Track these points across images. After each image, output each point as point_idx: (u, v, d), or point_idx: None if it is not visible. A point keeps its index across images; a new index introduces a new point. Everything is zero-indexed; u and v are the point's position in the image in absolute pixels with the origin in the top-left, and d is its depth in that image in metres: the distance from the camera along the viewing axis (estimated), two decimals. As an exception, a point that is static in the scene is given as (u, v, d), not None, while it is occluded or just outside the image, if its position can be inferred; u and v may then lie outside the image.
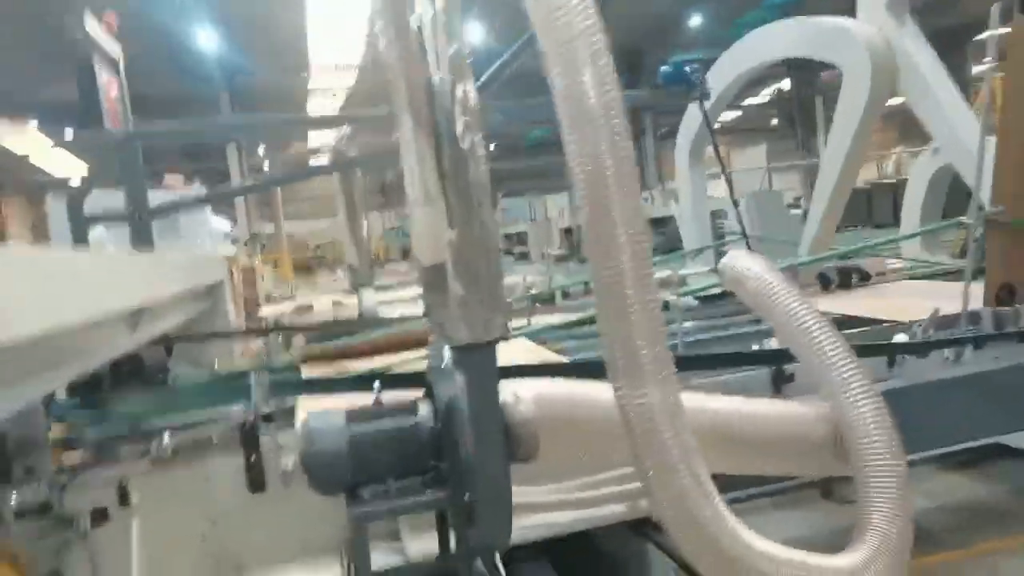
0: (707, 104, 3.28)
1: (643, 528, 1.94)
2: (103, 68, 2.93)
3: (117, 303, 1.60)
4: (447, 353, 1.42)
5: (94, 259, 1.42)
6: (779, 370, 2.18)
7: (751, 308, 2.04)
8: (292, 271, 13.32)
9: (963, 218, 2.21)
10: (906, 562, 1.50)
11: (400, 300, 6.72)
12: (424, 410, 1.49)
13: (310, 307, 6.93)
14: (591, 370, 1.83)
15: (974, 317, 2.34)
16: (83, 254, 1.45)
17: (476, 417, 1.31)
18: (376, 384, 1.54)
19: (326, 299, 7.10)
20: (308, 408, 1.75)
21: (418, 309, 5.10)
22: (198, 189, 5.19)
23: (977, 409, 2.15)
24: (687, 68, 3.16)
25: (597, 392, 1.56)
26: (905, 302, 3.10)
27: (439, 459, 1.45)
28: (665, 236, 10.20)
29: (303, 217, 26.80)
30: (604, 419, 1.52)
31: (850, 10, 3.62)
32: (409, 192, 1.33)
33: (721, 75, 3.89)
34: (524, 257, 14.40)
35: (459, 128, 1.30)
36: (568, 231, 15.45)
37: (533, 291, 6.59)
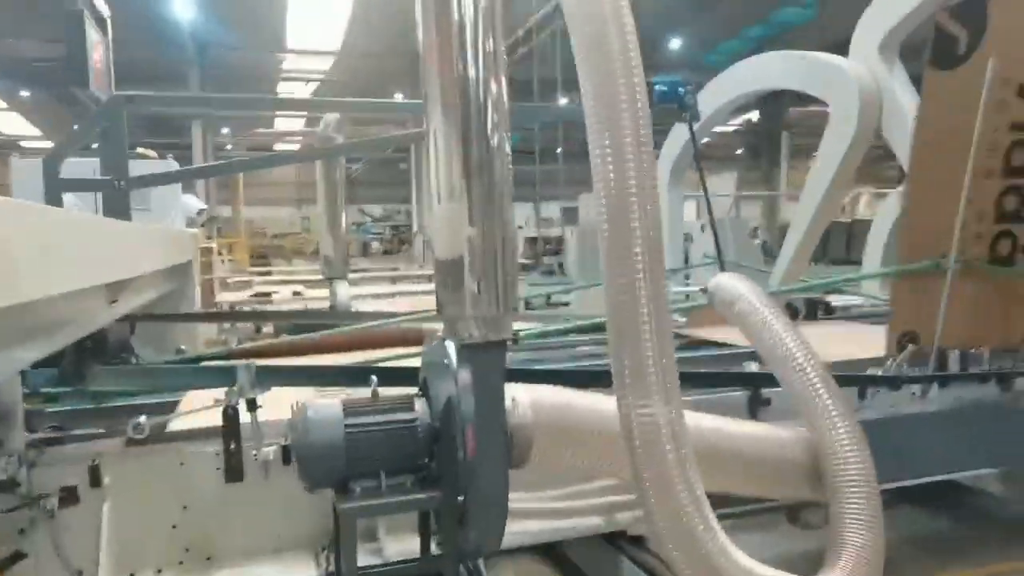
0: (695, 126, 3.33)
1: (617, 541, 1.94)
2: (92, 27, 2.82)
3: (102, 273, 1.53)
4: (451, 350, 1.40)
5: (84, 223, 1.36)
6: (756, 393, 2.22)
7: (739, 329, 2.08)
8: (248, 257, 13.04)
9: (941, 259, 2.28)
10: (879, 583, 1.54)
11: (362, 296, 6.62)
12: (420, 407, 1.47)
13: (268, 296, 6.79)
14: (586, 379, 1.83)
15: (941, 356, 2.43)
16: (75, 215, 1.38)
17: (480, 417, 1.29)
18: (373, 378, 1.50)
19: (286, 289, 6.96)
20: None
21: (388, 306, 5.04)
22: (170, 163, 5.03)
23: (943, 444, 2.23)
24: (681, 89, 3.20)
25: (594, 402, 1.56)
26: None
27: (432, 458, 1.43)
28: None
29: (261, 204, 26.29)
30: (600, 429, 1.52)
31: (821, 47, 3.76)
32: (432, 185, 1.31)
33: (711, 99, 3.97)
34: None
35: (489, 125, 1.29)
36: (534, 240, 15.49)
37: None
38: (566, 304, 7.07)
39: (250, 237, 17.50)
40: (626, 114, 1.29)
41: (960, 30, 2.23)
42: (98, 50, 2.95)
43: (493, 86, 1.29)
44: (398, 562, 1.61)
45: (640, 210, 1.29)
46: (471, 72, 1.28)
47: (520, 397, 1.46)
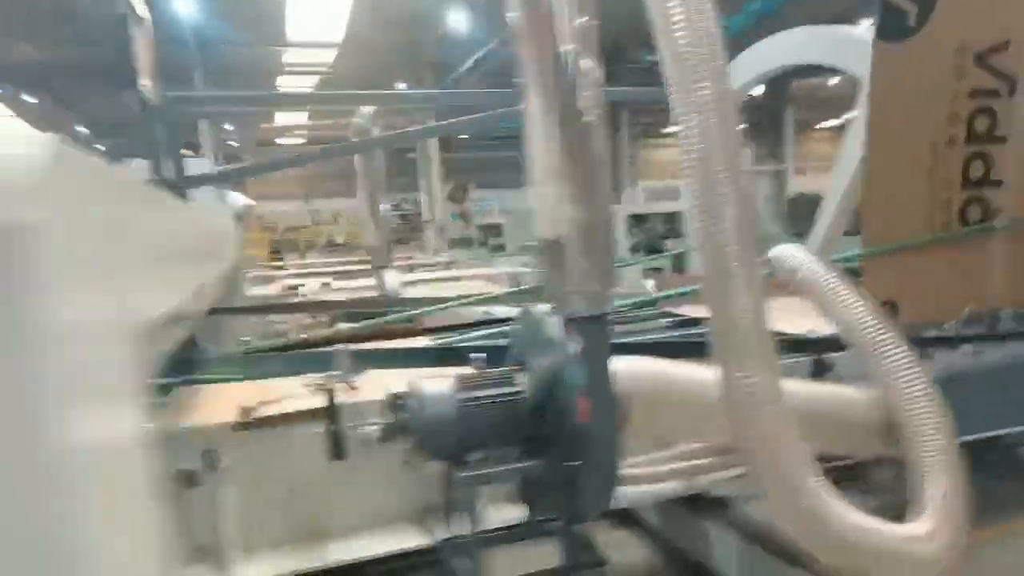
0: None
1: (698, 503, 2.01)
2: (137, 29, 2.87)
3: (219, 264, 1.61)
4: (552, 325, 1.46)
5: (216, 214, 1.43)
6: (820, 359, 2.28)
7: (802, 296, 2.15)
8: (267, 252, 13.12)
9: (995, 223, 2.34)
10: (965, 530, 1.61)
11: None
12: (522, 381, 1.54)
13: (296, 289, 6.86)
14: (674, 350, 1.90)
15: (993, 315, 2.49)
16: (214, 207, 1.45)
17: (591, 386, 1.36)
18: (478, 355, 1.58)
19: (314, 281, 7.03)
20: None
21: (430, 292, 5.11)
22: (203, 162, 5.09)
23: (999, 400, 2.30)
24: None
25: (687, 370, 1.63)
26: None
27: (536, 428, 1.50)
28: (646, 234, 10.44)
29: (267, 199, 26.31)
30: (695, 395, 1.59)
31: (822, 22, 3.78)
32: (533, 167, 1.37)
33: (740, 75, 4.00)
34: (499, 249, 14.45)
35: (583, 102, 1.34)
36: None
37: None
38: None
39: (261, 231, 17.57)
40: (708, 83, 1.33)
41: (909, 3, 2.23)
42: (144, 52, 3.01)
43: (587, 63, 1.34)
44: (505, 527, 1.68)
45: (730, 178, 1.33)
46: (565, 49, 1.32)
47: (617, 366, 1.53)
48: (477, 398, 1.46)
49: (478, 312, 3.21)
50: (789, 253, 2.14)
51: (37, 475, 0.54)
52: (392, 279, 3.58)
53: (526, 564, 1.60)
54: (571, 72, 1.32)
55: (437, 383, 1.48)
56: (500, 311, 3.15)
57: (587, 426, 1.36)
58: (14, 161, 0.56)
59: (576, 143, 1.34)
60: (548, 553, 1.60)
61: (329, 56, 18.50)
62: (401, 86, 18.16)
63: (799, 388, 1.77)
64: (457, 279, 6.33)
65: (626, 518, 2.20)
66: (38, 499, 0.54)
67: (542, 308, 1.57)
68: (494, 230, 16.35)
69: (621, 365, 1.54)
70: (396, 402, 1.56)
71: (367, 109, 3.68)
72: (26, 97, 19.75)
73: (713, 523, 1.91)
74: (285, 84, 21.07)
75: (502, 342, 2.22)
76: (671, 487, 2.00)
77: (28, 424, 0.54)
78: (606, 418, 1.38)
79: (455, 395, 1.46)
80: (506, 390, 1.50)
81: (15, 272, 0.53)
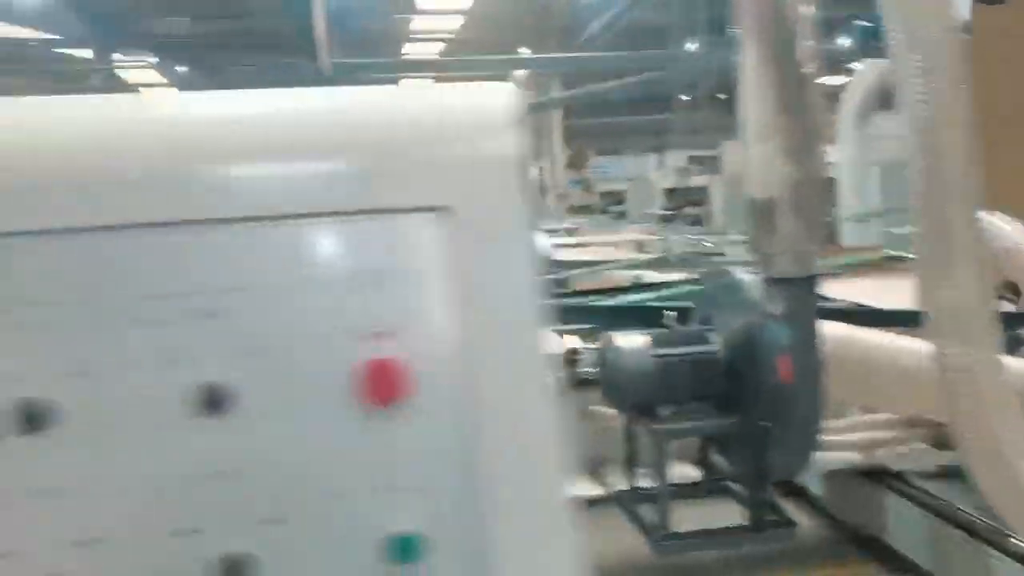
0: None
1: (872, 477, 1.96)
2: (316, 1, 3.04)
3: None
4: (752, 285, 1.46)
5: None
6: (1015, 335, 2.14)
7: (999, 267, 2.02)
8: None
9: None
10: None
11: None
12: (713, 339, 1.55)
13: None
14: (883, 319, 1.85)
15: None
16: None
17: (797, 346, 1.35)
18: (671, 313, 1.60)
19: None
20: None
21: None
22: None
23: None
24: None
25: (878, 338, 1.59)
26: None
27: (731, 387, 1.50)
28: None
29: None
30: (885, 364, 1.56)
31: None
32: (747, 124, 1.35)
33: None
34: (621, 216, 14.30)
35: (801, 53, 1.30)
36: (672, 191, 15.14)
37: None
38: (721, 254, 6.95)
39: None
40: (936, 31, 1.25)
41: None
42: (319, 23, 3.18)
43: (807, 10, 1.29)
44: (683, 483, 1.70)
45: (958, 129, 1.24)
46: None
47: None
48: (674, 354, 1.49)
49: (624, 276, 3.23)
50: (987, 221, 2.01)
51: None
52: (543, 241, 3.63)
53: (696, 522, 1.62)
54: (791, 21, 1.29)
55: (631, 339, 1.52)
56: (649, 275, 3.15)
57: (791, 386, 1.35)
58: (499, 107, 0.72)
59: (793, 96, 1.31)
60: (719, 512, 1.62)
61: (455, 23, 18.77)
62: (524, 51, 18.16)
63: (1010, 364, 1.68)
64: (587, 245, 6.35)
65: (789, 487, 2.17)
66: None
67: (734, 269, 1.57)
68: (615, 197, 16.16)
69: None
70: (574, 356, 1.62)
71: (519, 74, 3.73)
72: (179, 68, 21.33)
73: (891, 497, 1.85)
74: (410, 51, 21.58)
75: (665, 303, 2.23)
76: (846, 457, 1.96)
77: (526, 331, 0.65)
78: (811, 379, 1.37)
79: (651, 350, 1.49)
80: (701, 348, 1.51)
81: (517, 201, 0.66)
